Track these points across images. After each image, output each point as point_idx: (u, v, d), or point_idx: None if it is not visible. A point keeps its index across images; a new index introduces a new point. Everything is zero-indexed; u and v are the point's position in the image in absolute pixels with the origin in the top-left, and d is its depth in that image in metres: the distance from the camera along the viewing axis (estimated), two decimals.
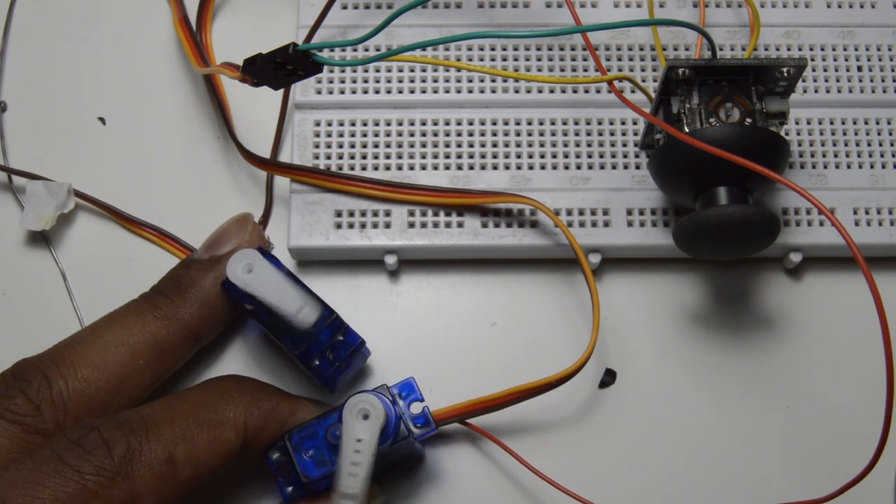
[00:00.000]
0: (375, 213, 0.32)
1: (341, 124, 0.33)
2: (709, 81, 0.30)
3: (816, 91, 0.34)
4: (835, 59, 0.34)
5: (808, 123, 0.33)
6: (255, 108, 0.35)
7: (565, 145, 0.33)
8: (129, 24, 0.37)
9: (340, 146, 0.33)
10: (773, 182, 0.28)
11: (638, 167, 0.33)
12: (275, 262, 0.29)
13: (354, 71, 0.34)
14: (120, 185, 0.34)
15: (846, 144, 0.33)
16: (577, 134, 0.33)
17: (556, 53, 0.34)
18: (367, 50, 0.34)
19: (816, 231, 0.32)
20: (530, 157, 0.33)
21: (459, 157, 0.33)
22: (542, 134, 0.33)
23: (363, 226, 0.32)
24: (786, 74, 0.29)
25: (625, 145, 0.33)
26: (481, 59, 0.34)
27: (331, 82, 0.34)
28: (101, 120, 0.36)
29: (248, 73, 0.29)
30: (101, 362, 0.27)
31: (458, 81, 0.34)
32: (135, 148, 0.35)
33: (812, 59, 0.34)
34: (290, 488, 0.28)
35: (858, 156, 0.33)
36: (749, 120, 0.29)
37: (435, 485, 0.31)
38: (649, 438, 0.32)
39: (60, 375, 0.27)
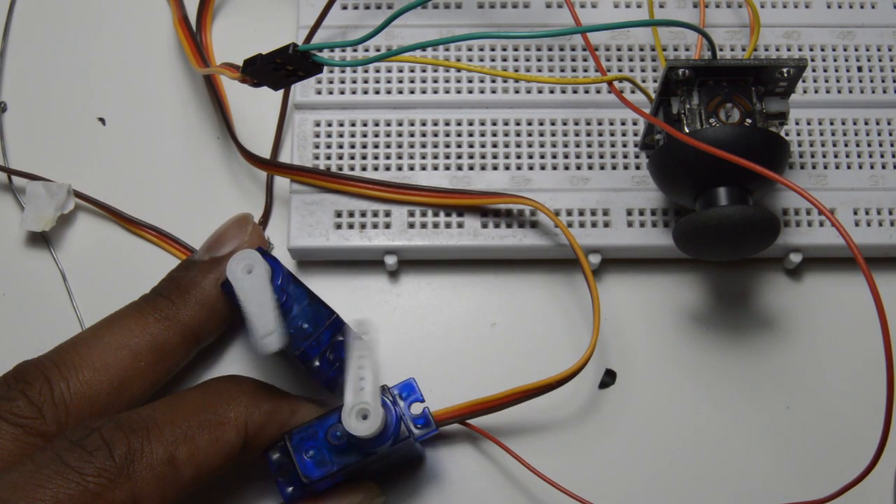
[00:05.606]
0: (375, 214, 0.32)
1: (341, 124, 0.33)
2: (709, 82, 0.30)
3: (816, 91, 0.34)
4: (835, 60, 0.34)
5: (808, 123, 0.34)
6: (255, 108, 0.35)
7: (565, 145, 0.33)
8: (129, 24, 0.37)
9: (340, 146, 0.33)
10: (773, 182, 0.28)
11: (638, 167, 0.33)
12: (275, 263, 0.29)
13: (354, 71, 0.34)
14: (120, 186, 0.34)
15: (846, 144, 0.33)
16: (577, 134, 0.33)
17: (556, 54, 0.34)
18: (367, 50, 0.34)
19: (816, 231, 0.32)
20: (530, 157, 0.33)
21: (459, 157, 0.33)
22: (542, 134, 0.33)
23: (363, 226, 0.32)
24: (786, 75, 0.29)
25: (625, 145, 0.33)
26: (481, 60, 0.34)
27: (331, 82, 0.34)
28: (101, 120, 0.36)
29: (248, 74, 0.29)
30: (103, 364, 0.27)
31: (458, 82, 0.34)
32: (135, 148, 0.35)
33: (812, 60, 0.34)
34: (290, 489, 0.28)
35: (858, 156, 0.33)
36: (749, 120, 0.29)
37: (435, 485, 0.31)
38: (649, 439, 0.32)
39: (62, 377, 0.27)
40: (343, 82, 0.34)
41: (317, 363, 0.29)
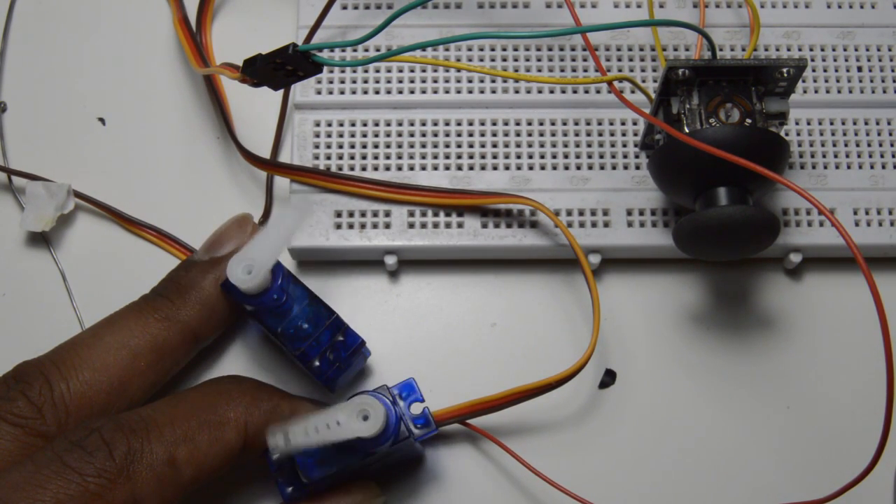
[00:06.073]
0: (375, 214, 0.32)
1: (341, 124, 0.33)
2: (709, 82, 0.30)
3: (816, 91, 0.34)
4: (835, 60, 0.34)
5: (808, 123, 0.33)
6: (255, 108, 0.35)
7: (565, 145, 0.33)
8: (129, 24, 0.37)
9: (340, 146, 0.33)
10: (773, 182, 0.28)
11: (638, 167, 0.33)
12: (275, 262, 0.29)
13: (354, 71, 0.34)
14: (120, 185, 0.34)
15: (846, 144, 0.33)
16: (577, 134, 0.33)
17: (556, 54, 0.34)
18: (367, 50, 0.34)
19: (816, 231, 0.32)
20: (530, 157, 0.33)
21: (459, 157, 0.33)
22: (542, 134, 0.33)
23: (363, 226, 0.32)
24: (786, 75, 0.29)
25: (625, 145, 0.33)
26: (481, 60, 0.34)
27: (331, 82, 0.34)
28: (101, 120, 0.36)
29: (248, 74, 0.29)
30: (103, 364, 0.27)
31: (458, 82, 0.34)
32: (135, 148, 0.35)
33: (812, 60, 0.34)
34: (290, 488, 0.28)
35: (858, 156, 0.33)
36: (749, 120, 0.29)
37: (435, 485, 0.31)
38: (649, 438, 0.32)
39: (62, 377, 0.27)
40: (343, 82, 0.34)
41: (317, 363, 0.29)
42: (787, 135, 0.33)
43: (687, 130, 0.29)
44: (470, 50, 0.34)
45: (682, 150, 0.28)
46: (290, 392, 0.30)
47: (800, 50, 0.34)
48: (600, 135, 0.33)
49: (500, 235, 0.32)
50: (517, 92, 0.34)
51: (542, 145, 0.33)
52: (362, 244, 0.32)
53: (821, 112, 0.34)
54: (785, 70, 0.29)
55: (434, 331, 0.33)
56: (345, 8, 0.35)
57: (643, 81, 0.34)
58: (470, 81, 0.34)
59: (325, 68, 0.30)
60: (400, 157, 0.33)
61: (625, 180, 0.33)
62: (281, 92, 0.34)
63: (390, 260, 0.32)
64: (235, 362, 0.32)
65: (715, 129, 0.29)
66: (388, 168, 0.33)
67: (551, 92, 0.34)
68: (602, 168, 0.33)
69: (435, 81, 0.34)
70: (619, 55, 0.34)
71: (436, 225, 0.32)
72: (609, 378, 0.32)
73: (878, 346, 0.24)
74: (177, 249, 0.34)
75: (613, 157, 0.33)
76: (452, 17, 0.35)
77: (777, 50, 0.34)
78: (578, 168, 0.33)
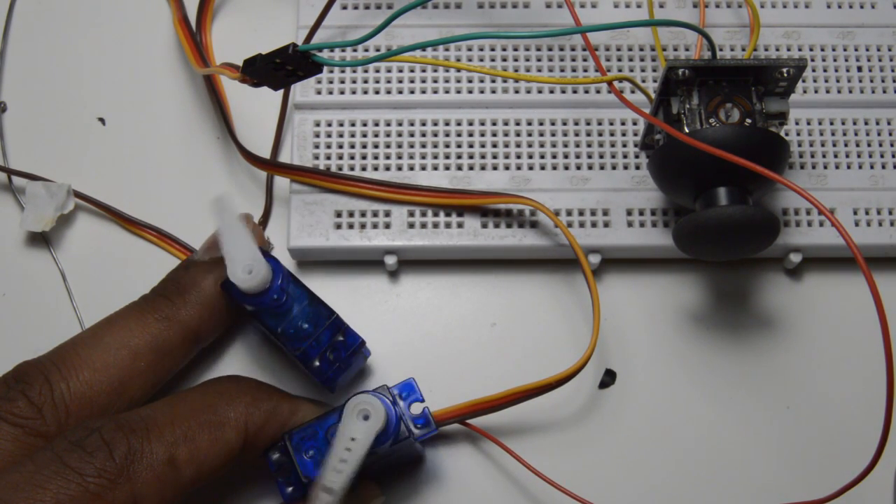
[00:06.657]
0: (375, 214, 0.32)
1: (341, 124, 0.33)
2: (709, 82, 0.30)
3: (816, 91, 0.34)
4: (835, 60, 0.34)
5: (808, 123, 0.34)
6: (255, 108, 0.35)
7: (565, 145, 0.33)
8: (129, 24, 0.37)
9: (340, 146, 0.33)
10: (773, 182, 0.28)
11: (638, 167, 0.33)
12: (275, 263, 0.29)
13: (354, 71, 0.34)
14: (120, 186, 0.34)
15: (846, 144, 0.33)
16: (577, 134, 0.33)
17: (556, 54, 0.34)
18: (366, 50, 0.34)
19: (816, 231, 0.32)
20: (530, 157, 0.33)
21: (459, 157, 0.33)
22: (542, 134, 0.33)
23: (363, 226, 0.32)
24: (786, 75, 0.29)
25: (625, 145, 0.33)
26: (481, 60, 0.34)
27: (331, 82, 0.34)
28: (101, 120, 0.36)
29: (248, 74, 0.29)
30: (103, 364, 0.27)
31: (458, 82, 0.34)
32: (135, 148, 0.35)
33: (812, 60, 0.34)
34: (290, 488, 0.28)
35: (858, 156, 0.33)
36: (749, 120, 0.29)
37: (435, 485, 0.31)
38: (649, 438, 0.32)
39: (62, 378, 0.27)
40: (343, 82, 0.34)
41: (317, 363, 0.29)
42: (787, 135, 0.33)
43: (687, 130, 0.29)
44: (470, 50, 0.34)
45: (682, 150, 0.28)
46: (290, 392, 0.30)
47: (800, 50, 0.34)
48: (600, 135, 0.33)
49: (500, 235, 0.32)
50: (517, 92, 0.34)
51: (542, 145, 0.33)
52: (362, 244, 0.32)
53: (821, 112, 0.34)
54: (785, 70, 0.29)
55: (434, 331, 0.33)
56: (345, 8, 0.35)
57: (643, 81, 0.34)
58: (470, 81, 0.34)
59: (325, 68, 0.30)
60: (400, 157, 0.33)
61: (625, 180, 0.33)
62: (281, 92, 0.34)
63: (390, 260, 0.32)
64: (236, 363, 0.32)
65: (715, 129, 0.29)
66: (388, 168, 0.33)
67: (551, 92, 0.34)
68: (602, 168, 0.33)
69: (435, 81, 0.34)
70: (619, 55, 0.34)
71: (436, 225, 0.32)
72: (609, 378, 0.32)
73: (878, 346, 0.24)
74: (177, 249, 0.34)
75: (613, 157, 0.33)
76: (452, 17, 0.35)
77: (777, 50, 0.34)
78: (578, 168, 0.33)
